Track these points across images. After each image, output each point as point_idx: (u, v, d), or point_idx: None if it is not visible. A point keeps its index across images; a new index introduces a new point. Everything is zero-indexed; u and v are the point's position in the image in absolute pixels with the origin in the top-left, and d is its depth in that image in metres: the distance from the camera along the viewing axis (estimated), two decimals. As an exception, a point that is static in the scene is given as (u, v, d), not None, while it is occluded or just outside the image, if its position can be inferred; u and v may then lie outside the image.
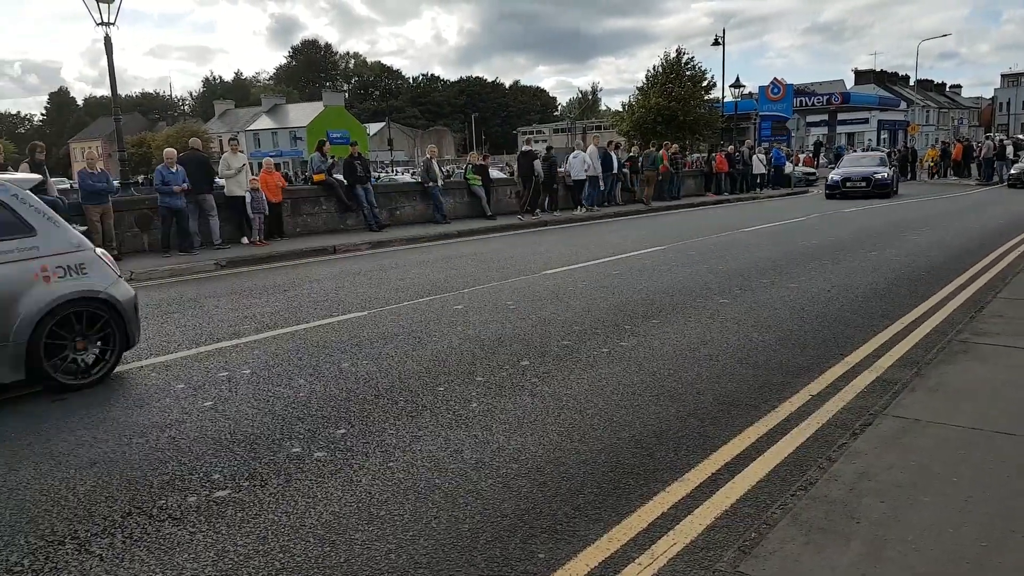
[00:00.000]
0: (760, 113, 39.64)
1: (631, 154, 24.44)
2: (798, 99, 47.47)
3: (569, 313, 7.45)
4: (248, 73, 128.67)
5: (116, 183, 13.88)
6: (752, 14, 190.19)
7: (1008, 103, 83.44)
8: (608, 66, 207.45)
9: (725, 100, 36.40)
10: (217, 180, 14.49)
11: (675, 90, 38.44)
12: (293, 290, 9.33)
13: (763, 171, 28.69)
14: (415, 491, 3.63)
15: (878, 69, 75.89)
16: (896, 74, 78.44)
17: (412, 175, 35.20)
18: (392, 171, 48.02)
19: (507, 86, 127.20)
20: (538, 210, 19.24)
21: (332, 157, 17.10)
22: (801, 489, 3.38)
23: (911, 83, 72.44)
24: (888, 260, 10.49)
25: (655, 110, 38.26)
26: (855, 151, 42.88)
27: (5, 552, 3.15)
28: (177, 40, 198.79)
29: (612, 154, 21.65)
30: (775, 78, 40.09)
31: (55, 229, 5.46)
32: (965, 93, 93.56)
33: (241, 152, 14.64)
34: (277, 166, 16.92)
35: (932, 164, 36.87)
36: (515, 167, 21.24)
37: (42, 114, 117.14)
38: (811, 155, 43.46)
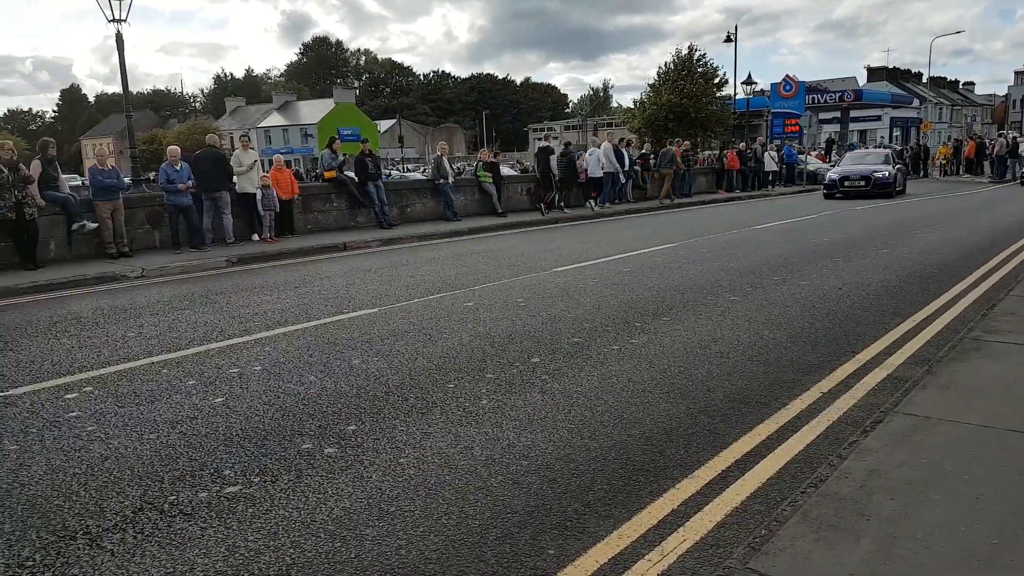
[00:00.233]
0: (772, 110, 39.42)
1: (643, 151, 24.38)
2: (810, 96, 47.16)
3: (579, 310, 7.44)
4: (259, 70, 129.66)
5: (127, 180, 13.97)
6: (764, 11, 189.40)
7: (1021, 100, 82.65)
8: (620, 63, 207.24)
9: (737, 97, 36.29)
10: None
11: (687, 87, 38.36)
12: (304, 287, 9.36)
13: (775, 168, 28.55)
14: (425, 487, 3.63)
15: (891, 66, 75.47)
16: (909, 71, 77.94)
17: (423, 172, 35.30)
18: (403, 168, 48.12)
19: (518, 83, 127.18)
20: (553, 207, 19.30)
21: (344, 155, 17.14)
22: (811, 486, 3.36)
23: (924, 80, 71.92)
24: (900, 258, 10.43)
25: (667, 107, 38.20)
26: (866, 148, 42.62)
27: (17, 547, 3.18)
28: (188, 37, 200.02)
29: (624, 151, 21.63)
30: (787, 75, 39.88)
31: None
32: (978, 90, 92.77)
33: (252, 149, 14.69)
34: (288, 163, 16.98)
35: (944, 162, 36.61)
36: (533, 163, 21.39)
37: (54, 111, 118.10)
38: (823, 152, 43.20)
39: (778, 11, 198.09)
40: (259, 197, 13.79)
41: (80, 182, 34.13)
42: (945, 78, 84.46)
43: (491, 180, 18.67)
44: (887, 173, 23.07)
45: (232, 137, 13.93)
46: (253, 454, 4.08)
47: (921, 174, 36.15)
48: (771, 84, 40.48)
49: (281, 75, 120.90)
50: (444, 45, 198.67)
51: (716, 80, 40.16)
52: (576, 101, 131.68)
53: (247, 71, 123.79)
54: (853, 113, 54.83)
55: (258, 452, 4.10)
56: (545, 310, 7.48)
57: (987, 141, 36.29)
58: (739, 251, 11.49)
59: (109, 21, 14.87)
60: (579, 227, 16.86)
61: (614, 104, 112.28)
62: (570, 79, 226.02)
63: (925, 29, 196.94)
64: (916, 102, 66.10)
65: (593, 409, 4.66)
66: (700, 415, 4.54)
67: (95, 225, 11.87)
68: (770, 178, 28.27)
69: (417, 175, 34.93)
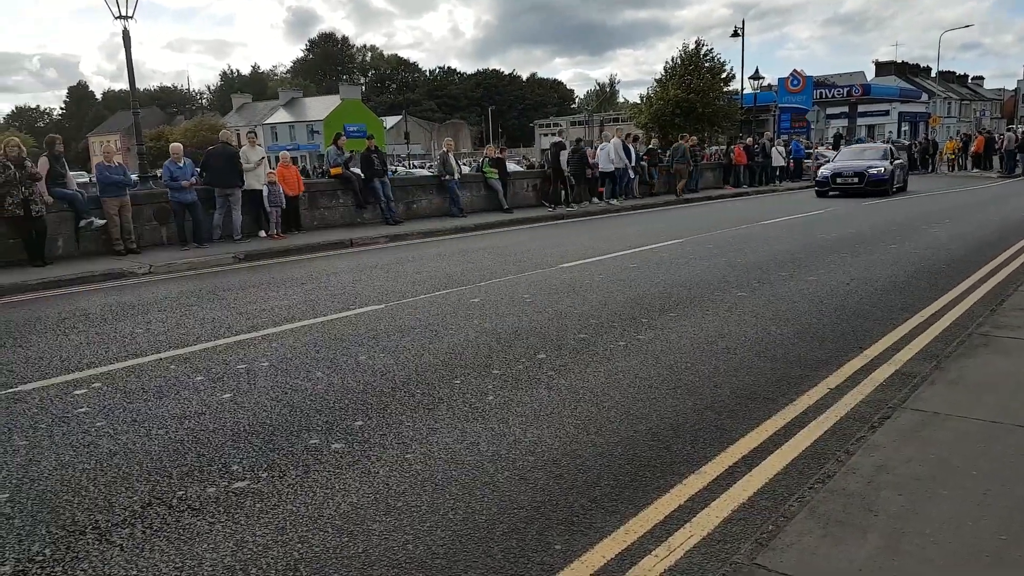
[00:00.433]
0: (779, 105, 39.27)
1: (650, 146, 24.34)
2: (818, 91, 46.93)
3: (586, 306, 7.44)
4: (265, 67, 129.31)
5: (134, 176, 14.01)
6: (772, 5, 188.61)
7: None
8: (626, 58, 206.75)
9: (744, 92, 36.14)
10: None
11: (694, 82, 38.20)
12: (310, 283, 9.38)
13: (782, 163, 28.46)
14: (432, 483, 3.64)
15: (899, 60, 75.01)
16: (917, 65, 77.43)
17: (429, 168, 35.29)
18: (409, 164, 48.13)
19: (524, 79, 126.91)
20: (561, 202, 19.37)
21: (351, 151, 17.15)
22: (819, 482, 3.36)
23: (933, 74, 71.53)
24: (908, 253, 10.39)
25: (674, 102, 38.05)
26: (873, 142, 42.36)
27: (27, 542, 3.20)
28: (195, 34, 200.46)
29: (630, 147, 21.63)
30: (795, 70, 39.66)
31: None
32: (987, 84, 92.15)
33: (259, 146, 14.73)
34: (294, 160, 17.03)
35: (951, 157, 36.39)
36: (541, 159, 21.54)
37: (61, 108, 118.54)
38: (831, 147, 43.02)
39: (786, 5, 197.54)
40: (266, 194, 13.82)
41: (88, 179, 34.29)
42: (954, 72, 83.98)
43: (497, 176, 18.66)
44: (882, 169, 21.59)
45: (239, 134, 13.94)
46: (261, 449, 4.09)
47: (929, 169, 35.98)
48: (779, 79, 40.36)
49: (287, 72, 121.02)
50: (450, 41, 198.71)
51: (723, 75, 39.97)
52: (582, 96, 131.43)
53: (253, 68, 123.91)
54: (861, 108, 54.53)
55: (266, 447, 4.12)
56: (551, 306, 7.48)
57: (996, 136, 36.05)
58: (746, 247, 11.46)
59: (116, 18, 14.93)
60: (585, 223, 16.84)
61: (620, 99, 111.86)
62: (576, 74, 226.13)
63: (934, 23, 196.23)
64: (925, 97, 65.72)
65: (599, 405, 4.66)
66: (707, 411, 4.53)
67: (102, 222, 11.92)
68: (777, 173, 28.17)
69: (423, 171, 34.94)
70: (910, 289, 7.90)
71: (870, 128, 61.84)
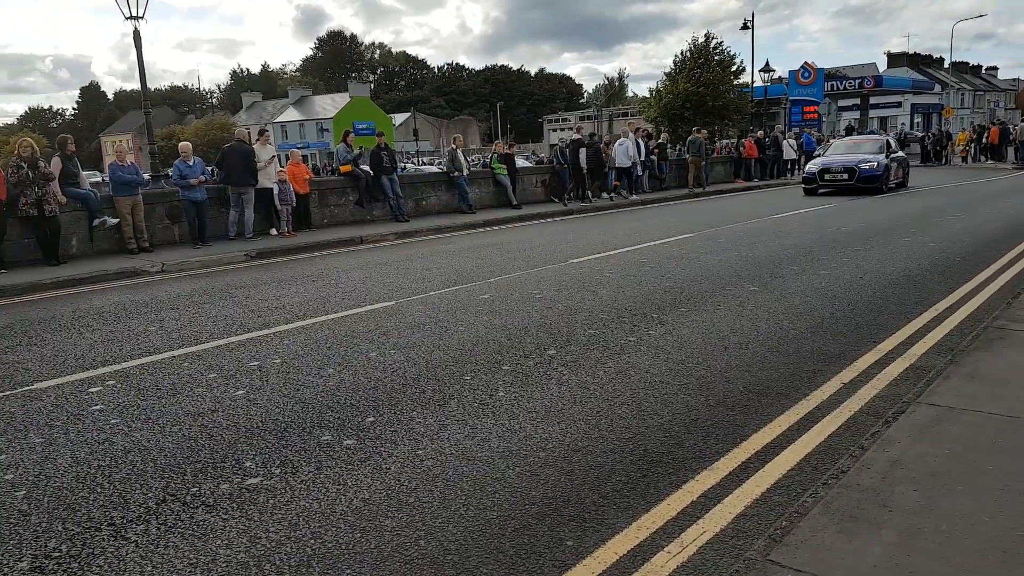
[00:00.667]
0: (790, 98, 39.08)
1: (660, 141, 24.28)
2: (829, 83, 46.71)
3: (596, 302, 7.42)
4: (275, 65, 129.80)
5: (146, 176, 14.09)
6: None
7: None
8: (635, 52, 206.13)
9: (754, 85, 35.97)
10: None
11: (704, 75, 38.04)
12: (321, 280, 9.40)
13: (794, 156, 28.31)
14: (443, 479, 3.64)
15: (911, 52, 74.37)
16: (930, 56, 76.79)
17: (438, 165, 35.31)
18: (418, 161, 48.18)
19: (532, 74, 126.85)
20: (576, 198, 19.46)
21: (360, 148, 17.18)
22: (833, 477, 3.34)
23: (946, 65, 70.88)
24: (922, 246, 10.31)
25: (683, 96, 37.93)
26: (891, 134, 42.00)
27: (44, 538, 3.23)
28: (205, 33, 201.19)
29: (639, 141, 21.61)
30: (805, 62, 39.53)
31: None
32: (1001, 75, 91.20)
33: (270, 144, 14.78)
34: (304, 158, 17.10)
35: (963, 148, 36.05)
36: (550, 154, 21.68)
37: (74, 108, 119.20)
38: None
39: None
40: (276, 192, 13.87)
41: (100, 178, 34.50)
42: (967, 63, 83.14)
43: (506, 172, 18.66)
44: (875, 164, 19.66)
45: (249, 132, 13.95)
46: (274, 446, 4.11)
47: (943, 161, 35.70)
48: (789, 71, 40.21)
49: (297, 70, 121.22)
50: (458, 37, 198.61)
51: (733, 68, 39.80)
52: (591, 91, 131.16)
53: (263, 66, 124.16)
54: (873, 100, 54.25)
55: (278, 444, 4.13)
56: (561, 302, 7.47)
57: (1011, 127, 35.71)
58: (758, 240, 11.41)
59: (127, 18, 14.99)
60: (595, 218, 16.81)
61: (630, 93, 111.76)
62: (585, 69, 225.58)
63: (946, 13, 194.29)
64: (938, 88, 65.22)
65: (610, 401, 4.65)
66: (719, 406, 4.51)
67: (115, 221, 11.99)
68: (789, 166, 28.02)
69: (432, 168, 34.98)
70: (924, 282, 7.85)
71: (882, 120, 61.41)
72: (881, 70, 65.28)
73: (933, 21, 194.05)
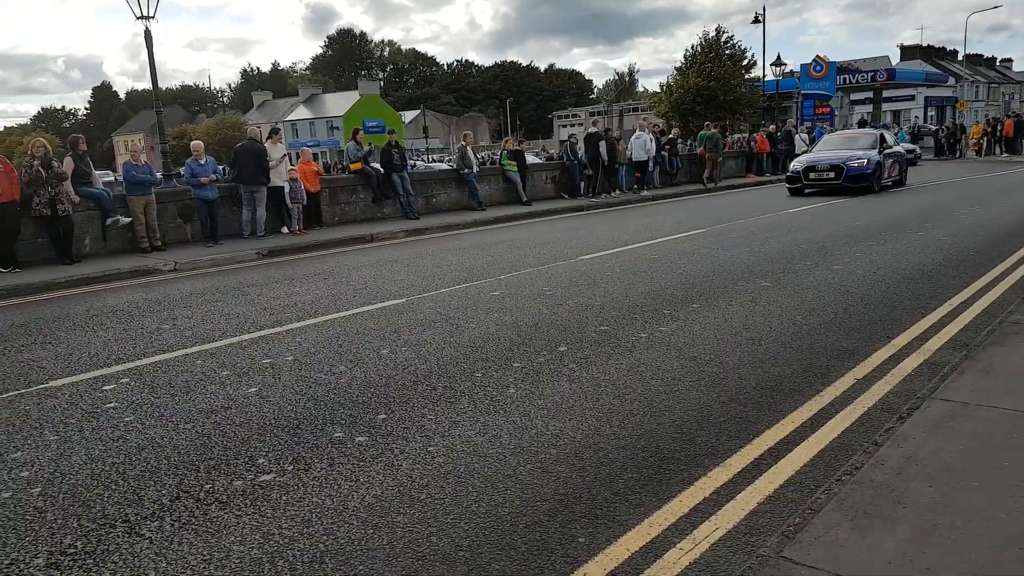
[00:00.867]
0: (802, 92, 38.83)
1: (670, 136, 24.21)
2: (841, 77, 46.33)
3: (607, 298, 7.40)
4: (285, 64, 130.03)
5: (159, 175, 14.19)
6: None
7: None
8: (645, 46, 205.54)
9: (766, 79, 35.77)
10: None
11: (714, 69, 37.90)
12: (332, 278, 9.43)
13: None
14: (455, 475, 3.65)
15: (924, 44, 73.75)
16: (944, 49, 76.07)
17: (448, 162, 35.33)
18: (428, 159, 48.21)
19: (542, 70, 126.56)
20: (604, 193, 19.65)
21: (369, 144, 17.20)
22: (847, 474, 3.32)
23: (959, 58, 70.26)
24: (936, 240, 10.24)
25: (694, 90, 37.79)
26: (904, 127, 41.60)
27: (59, 534, 3.25)
28: (215, 32, 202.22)
29: (650, 137, 21.59)
30: (817, 55, 39.21)
31: None
32: (1016, 67, 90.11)
33: (281, 143, 14.82)
34: (315, 156, 17.15)
35: (975, 142, 35.70)
36: (560, 150, 21.81)
37: (86, 108, 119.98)
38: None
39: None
40: (287, 190, 13.92)
41: (112, 178, 34.72)
42: (981, 55, 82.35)
43: (516, 169, 18.64)
44: (865, 161, 17.95)
45: (259, 131, 14.03)
46: (286, 443, 4.12)
47: (957, 155, 35.40)
48: (801, 65, 39.94)
49: (307, 68, 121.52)
50: (467, 34, 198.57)
51: (744, 62, 39.62)
52: (601, 87, 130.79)
53: (273, 65, 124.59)
54: (886, 93, 53.82)
55: (291, 441, 4.15)
56: (572, 298, 7.46)
57: (1025, 119, 35.34)
58: (770, 236, 11.36)
59: (138, 18, 15.06)
60: (605, 214, 16.77)
61: (640, 88, 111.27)
62: (595, 64, 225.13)
63: (960, 5, 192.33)
64: (952, 81, 64.63)
65: (622, 397, 4.64)
66: (731, 403, 4.49)
67: (128, 220, 12.07)
68: (801, 161, 27.82)
69: (442, 165, 35.00)
70: (938, 277, 7.78)
71: (895, 114, 60.99)
72: (894, 63, 64.72)
73: (946, 13, 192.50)
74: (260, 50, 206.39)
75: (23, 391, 5.25)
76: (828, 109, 37.99)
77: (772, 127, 29.07)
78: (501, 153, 20.28)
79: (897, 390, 4.60)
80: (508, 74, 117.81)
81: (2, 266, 10.58)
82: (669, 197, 20.22)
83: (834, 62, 40.31)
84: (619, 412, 4.40)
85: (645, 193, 20.27)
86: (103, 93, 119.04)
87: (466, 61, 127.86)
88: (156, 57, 15.71)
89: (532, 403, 4.59)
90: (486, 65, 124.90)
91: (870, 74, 50.38)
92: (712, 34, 39.48)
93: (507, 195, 18.66)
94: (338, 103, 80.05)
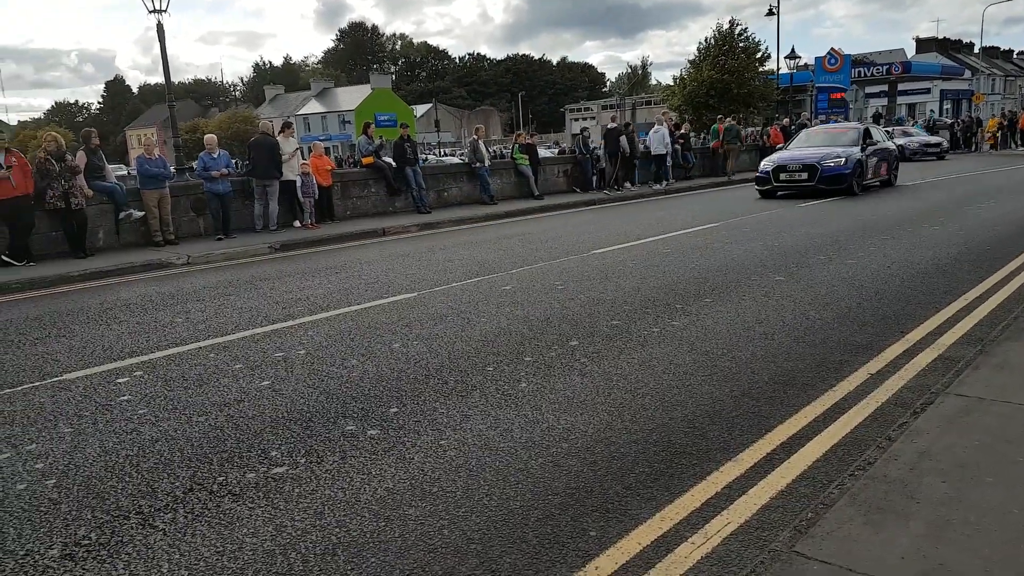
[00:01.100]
0: (816, 85, 38.56)
1: (681, 131, 24.12)
2: (856, 70, 46.01)
3: (618, 293, 7.39)
4: (297, 57, 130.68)
5: (172, 169, 14.27)
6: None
7: (1080, 69, 79.45)
8: (658, 39, 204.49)
9: (780, 72, 35.53)
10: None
11: (728, 62, 37.67)
12: (344, 272, 9.45)
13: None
14: (466, 469, 3.65)
15: (940, 37, 72.97)
16: (960, 41, 75.22)
17: (460, 156, 35.32)
18: (439, 152, 48.22)
19: (554, 63, 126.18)
20: (627, 184, 19.83)
21: (380, 138, 17.22)
22: (860, 469, 3.30)
23: (976, 50, 69.54)
24: (951, 235, 10.15)
25: (708, 83, 37.59)
26: (913, 123, 41.23)
27: (74, 526, 3.28)
28: (227, 26, 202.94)
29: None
30: (832, 48, 38.94)
31: None
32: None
33: (293, 137, 14.87)
34: (327, 150, 17.20)
35: (991, 135, 35.31)
36: (576, 144, 21.92)
37: (99, 102, 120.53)
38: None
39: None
40: (299, 184, 13.95)
41: (126, 172, 34.94)
42: (998, 47, 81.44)
43: (528, 162, 18.61)
44: (842, 160, 16.07)
45: (272, 124, 14.03)
46: (299, 436, 4.14)
47: (973, 148, 35.06)
48: (815, 58, 39.72)
49: (318, 62, 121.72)
50: (479, 27, 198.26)
51: (758, 55, 39.36)
52: (614, 80, 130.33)
53: (285, 59, 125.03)
54: (901, 86, 53.42)
55: (304, 434, 4.16)
56: (583, 293, 7.45)
57: (1042, 113, 34.97)
58: (783, 230, 11.29)
59: (150, 12, 15.15)
60: (617, 208, 16.72)
61: (653, 81, 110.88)
62: (607, 57, 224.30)
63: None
64: (968, 73, 64.02)
65: (634, 392, 4.63)
66: (744, 397, 4.47)
67: (141, 213, 12.14)
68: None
69: (453, 159, 35.00)
70: (953, 272, 7.72)
71: (911, 107, 60.52)
72: (909, 56, 64.16)
73: (962, 5, 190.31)
74: (272, 44, 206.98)
75: (37, 384, 5.30)
76: (843, 102, 37.67)
77: (786, 120, 28.89)
78: (513, 147, 20.26)
79: (911, 385, 4.57)
80: (520, 67, 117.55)
81: (16, 259, 10.67)
82: (683, 191, 20.14)
83: (849, 55, 40.04)
84: (631, 406, 4.39)
85: (658, 187, 20.25)
86: (116, 87, 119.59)
87: (478, 54, 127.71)
88: (168, 51, 15.80)
89: (543, 397, 4.58)
90: (498, 58, 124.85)
91: (885, 67, 49.99)
92: (726, 27, 39.27)
93: (519, 189, 18.64)
94: (350, 97, 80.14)
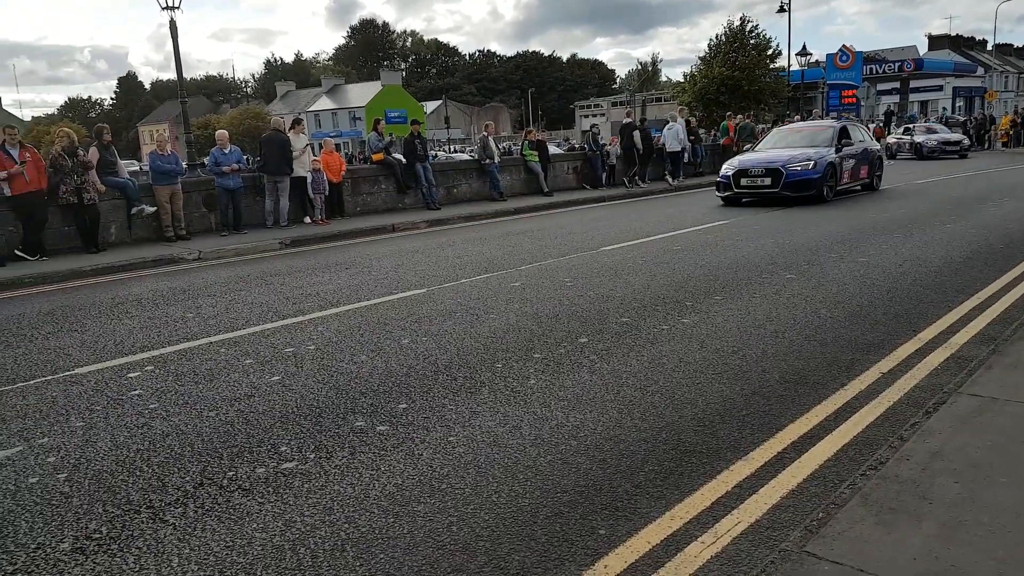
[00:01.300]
0: (828, 82, 38.32)
1: (691, 126, 24.06)
2: (868, 67, 45.74)
3: (628, 290, 7.37)
4: (308, 54, 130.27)
5: (184, 164, 14.33)
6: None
7: (1095, 66, 78.63)
8: (669, 36, 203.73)
9: (791, 69, 35.36)
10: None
11: (739, 59, 37.52)
12: (354, 268, 9.47)
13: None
14: (475, 465, 3.65)
15: (953, 34, 72.43)
16: (973, 39, 74.58)
17: (469, 153, 35.31)
18: (449, 149, 48.24)
19: (564, 60, 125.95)
20: (638, 180, 19.86)
21: (391, 135, 17.24)
22: (871, 469, 3.28)
23: (989, 48, 68.98)
24: (964, 233, 10.07)
25: (718, 80, 37.45)
26: (926, 120, 40.92)
27: (85, 520, 3.30)
28: (239, 23, 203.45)
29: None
30: (844, 45, 38.70)
31: None
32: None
33: (303, 134, 14.90)
34: (337, 146, 17.23)
35: (1003, 133, 34.98)
36: (587, 141, 22.02)
37: (112, 98, 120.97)
38: (881, 125, 41.89)
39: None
40: (310, 180, 13.98)
41: (138, 167, 35.09)
42: (1011, 45, 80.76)
43: (537, 159, 18.59)
44: (811, 164, 14.35)
45: (284, 121, 14.12)
46: (308, 431, 4.15)
47: (986, 146, 34.79)
48: (827, 55, 39.45)
49: (329, 59, 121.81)
50: (490, 24, 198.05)
51: (769, 52, 39.18)
52: (624, 76, 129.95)
53: (296, 55, 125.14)
54: (913, 83, 53.08)
55: (313, 429, 4.17)
56: (593, 290, 7.43)
57: (1057, 110, 34.61)
58: (795, 227, 11.24)
59: (163, 9, 15.21)
60: (627, 205, 16.68)
61: (663, 78, 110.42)
62: (618, 54, 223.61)
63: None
64: (980, 71, 63.53)
65: (643, 390, 4.61)
66: (755, 396, 4.45)
67: (153, 209, 12.19)
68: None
69: (463, 156, 35.00)
70: (966, 270, 7.66)
71: (923, 104, 60.11)
72: (922, 53, 63.70)
73: (975, 2, 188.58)
74: (283, 40, 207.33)
75: (49, 378, 5.33)
76: (854, 100, 37.45)
77: (798, 117, 28.73)
78: (523, 143, 20.25)
79: (923, 384, 4.53)
80: (530, 64, 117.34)
81: (29, 254, 10.74)
82: (693, 188, 20.07)
83: (861, 52, 39.77)
84: (640, 404, 4.38)
85: (670, 183, 20.18)
86: (128, 83, 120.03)
87: (488, 51, 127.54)
88: (181, 47, 15.85)
89: (553, 394, 4.58)
90: (508, 55, 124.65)
91: (897, 64, 49.67)
92: (737, 23, 39.09)
93: (528, 186, 18.62)
94: (360, 93, 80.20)
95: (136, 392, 4.95)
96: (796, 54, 32.94)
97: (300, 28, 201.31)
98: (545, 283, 7.85)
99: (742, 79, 37.13)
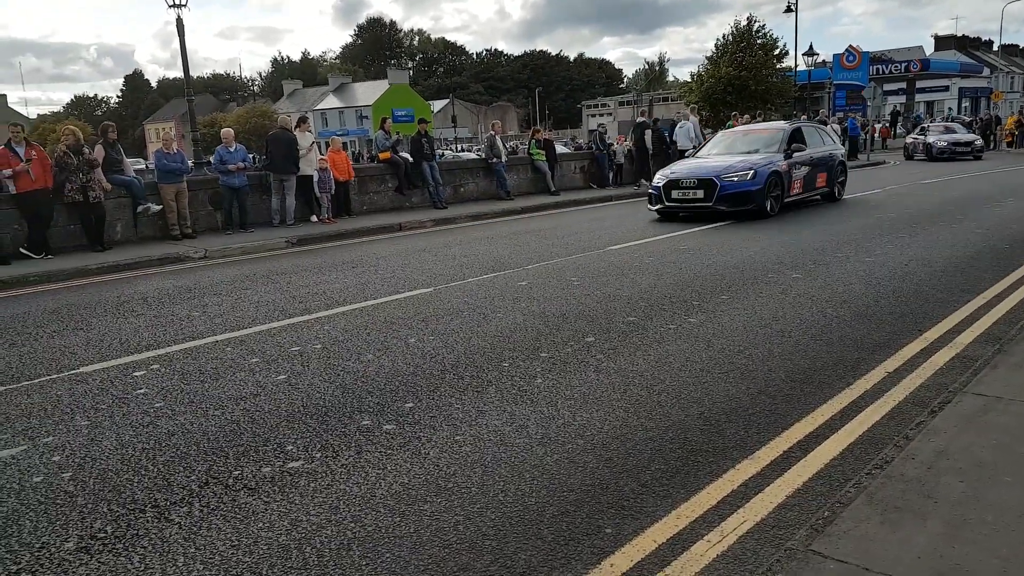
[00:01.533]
0: (834, 82, 38.20)
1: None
2: (874, 67, 45.50)
3: (634, 289, 7.36)
4: (315, 53, 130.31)
5: (190, 163, 14.36)
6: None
7: (1103, 66, 78.20)
8: (676, 35, 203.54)
9: (798, 69, 35.28)
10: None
11: (746, 59, 37.50)
12: (361, 267, 9.48)
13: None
14: (482, 464, 3.65)
15: (959, 34, 72.11)
16: (979, 39, 74.33)
17: (476, 152, 35.31)
18: (456, 148, 48.25)
19: (571, 59, 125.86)
20: (643, 180, 19.81)
21: (397, 133, 17.26)
22: (877, 468, 3.27)
23: (995, 48, 68.70)
24: (969, 233, 10.03)
25: (725, 80, 37.43)
26: (935, 120, 40.75)
27: (90, 519, 3.31)
28: (246, 21, 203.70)
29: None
30: (850, 45, 38.54)
31: None
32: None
33: (309, 132, 14.92)
34: (344, 145, 17.27)
35: (1008, 133, 34.77)
36: (593, 140, 22.02)
37: (118, 96, 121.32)
38: (887, 125, 41.74)
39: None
40: (316, 179, 14.00)
41: (144, 165, 35.18)
42: (1017, 45, 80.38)
43: (544, 158, 18.59)
44: (749, 175, 12.36)
45: (290, 119, 14.17)
46: (315, 430, 4.16)
47: (992, 147, 34.62)
48: (833, 55, 39.28)
49: (336, 57, 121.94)
50: (497, 23, 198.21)
51: (776, 52, 39.14)
52: (631, 76, 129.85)
53: (303, 54, 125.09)
54: (920, 84, 52.91)
55: (319, 428, 4.18)
56: (599, 289, 7.43)
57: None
58: (801, 227, 11.21)
59: (169, 6, 15.25)
60: (633, 204, 16.65)
61: (670, 78, 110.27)
62: (625, 53, 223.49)
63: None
64: (987, 71, 63.25)
65: (650, 389, 4.61)
66: (760, 395, 4.45)
67: (159, 207, 12.23)
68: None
69: (470, 155, 35.01)
70: (972, 270, 7.64)
71: (929, 104, 59.90)
72: (928, 53, 63.44)
73: (981, 3, 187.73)
74: (290, 39, 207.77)
75: (54, 376, 5.35)
76: (861, 100, 37.30)
77: (804, 118, 28.63)
78: (530, 143, 20.26)
79: (928, 384, 4.52)
80: (537, 63, 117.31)
81: (35, 252, 10.78)
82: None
83: (867, 52, 39.57)
84: (647, 403, 4.37)
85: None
86: (135, 81, 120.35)
87: (495, 50, 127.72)
88: (187, 46, 15.87)
89: (559, 393, 4.58)
90: (515, 54, 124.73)
91: (904, 64, 49.47)
92: (744, 23, 39.10)
93: (535, 185, 18.62)
94: (367, 92, 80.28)
95: (141, 391, 4.97)
96: (803, 54, 32.90)
97: (307, 27, 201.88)
98: (552, 282, 7.85)
99: (749, 79, 37.11)
